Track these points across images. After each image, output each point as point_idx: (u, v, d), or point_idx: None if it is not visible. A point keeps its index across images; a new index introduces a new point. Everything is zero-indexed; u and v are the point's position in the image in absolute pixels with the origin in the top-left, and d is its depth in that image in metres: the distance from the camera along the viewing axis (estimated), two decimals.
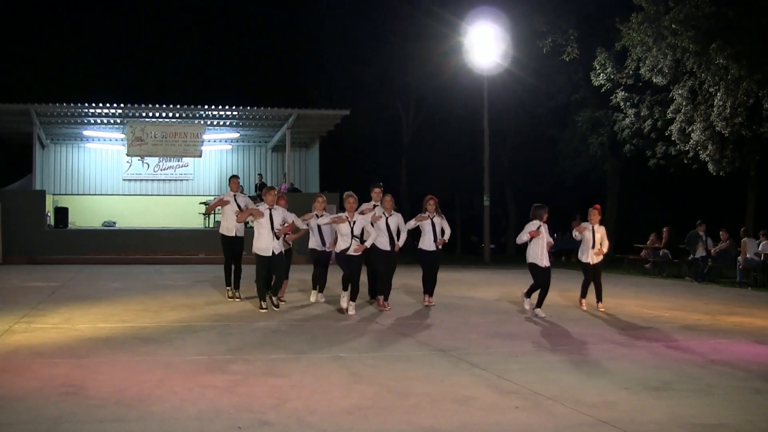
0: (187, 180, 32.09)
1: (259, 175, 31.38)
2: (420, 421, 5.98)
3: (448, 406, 6.45)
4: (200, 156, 29.20)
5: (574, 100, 33.30)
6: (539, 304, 12.48)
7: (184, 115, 27.81)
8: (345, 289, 12.13)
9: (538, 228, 12.62)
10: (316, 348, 9.02)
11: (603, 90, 28.68)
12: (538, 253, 12.58)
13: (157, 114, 27.64)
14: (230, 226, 13.60)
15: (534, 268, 12.58)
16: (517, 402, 6.63)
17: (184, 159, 31.23)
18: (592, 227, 13.72)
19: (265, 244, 11.99)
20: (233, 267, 13.77)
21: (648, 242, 24.74)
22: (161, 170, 31.84)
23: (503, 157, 39.37)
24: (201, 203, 29.43)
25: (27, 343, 9.04)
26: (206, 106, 27.01)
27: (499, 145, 37.69)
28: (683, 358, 8.78)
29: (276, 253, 12.06)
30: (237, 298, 13.60)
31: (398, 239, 12.75)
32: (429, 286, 13.42)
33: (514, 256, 32.41)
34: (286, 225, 12.30)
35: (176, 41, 43.53)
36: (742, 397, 6.99)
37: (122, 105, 26.49)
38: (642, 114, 27.87)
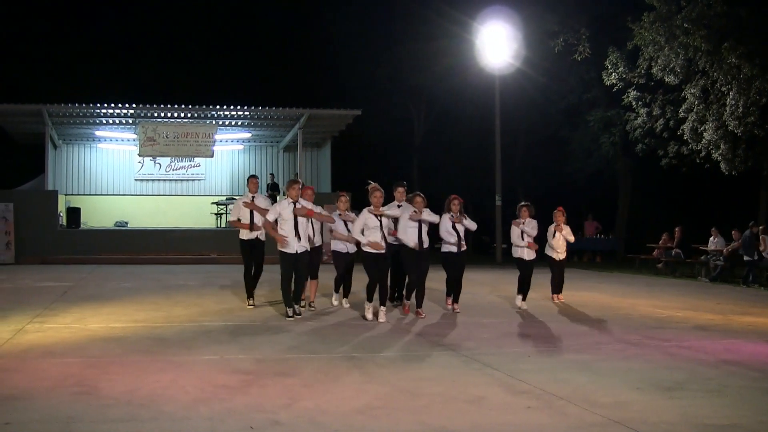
0: (198, 180, 32.15)
1: (271, 174, 31.42)
2: (432, 421, 5.97)
3: (460, 406, 6.44)
4: (212, 156, 29.26)
5: (586, 100, 33.25)
6: (524, 297, 13.39)
7: (195, 115, 27.87)
8: (370, 299, 11.38)
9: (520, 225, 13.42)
10: (329, 348, 9.02)
11: (615, 89, 28.58)
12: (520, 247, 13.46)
13: (169, 114, 27.71)
14: (247, 232, 12.57)
15: (518, 262, 13.54)
16: (529, 402, 6.61)
17: (195, 159, 31.30)
18: (555, 228, 14.43)
19: (289, 241, 11.21)
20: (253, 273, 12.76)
21: (660, 242, 24.69)
22: (173, 170, 31.92)
23: (515, 157, 39.33)
24: (213, 203, 29.50)
25: (39, 342, 9.08)
26: (218, 107, 27.05)
27: (510, 145, 37.64)
28: (696, 358, 8.74)
29: (300, 252, 11.30)
30: (251, 305, 12.63)
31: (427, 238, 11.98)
32: (454, 291, 12.75)
33: None
34: (302, 207, 11.41)
35: (188, 41, 43.67)
36: (755, 398, 6.95)
37: (134, 105, 26.58)
38: (654, 113, 27.76)
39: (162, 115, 27.71)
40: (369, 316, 11.33)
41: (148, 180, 31.82)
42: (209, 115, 28.02)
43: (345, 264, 12.67)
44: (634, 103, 28.41)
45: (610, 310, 13.27)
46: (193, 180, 32.13)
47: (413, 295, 12.01)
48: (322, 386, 7.03)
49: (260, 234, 12.51)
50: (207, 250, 25.48)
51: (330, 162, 30.78)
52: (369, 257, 11.26)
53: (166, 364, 7.87)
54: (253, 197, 12.54)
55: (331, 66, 42.90)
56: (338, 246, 12.55)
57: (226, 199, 29.69)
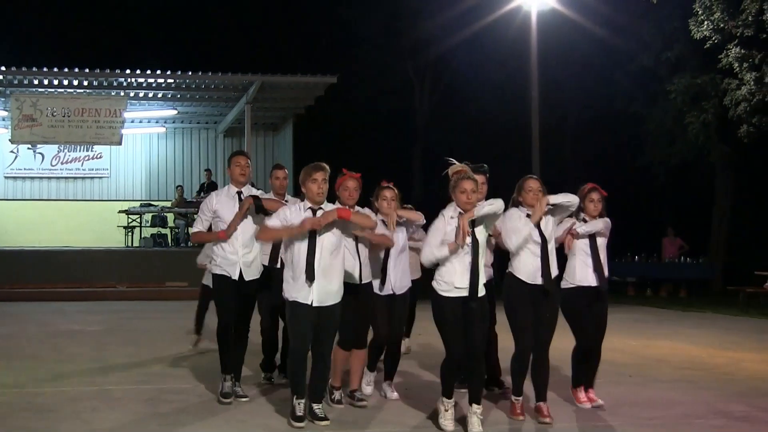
0: (101, 178, 32.10)
1: (207, 171, 31.32)
2: None
3: None
4: (120, 143, 29.15)
5: (666, 61, 33.25)
6: None
7: (96, 83, 27.83)
8: (448, 393, 8.83)
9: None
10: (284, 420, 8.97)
11: (708, 45, 28.63)
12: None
13: (56, 81, 27.65)
14: (231, 255, 10.15)
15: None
16: None
17: (96, 148, 31.24)
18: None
19: (298, 281, 8.94)
20: (234, 338, 10.28)
21: None
22: (62, 164, 31.85)
23: (563, 144, 39.39)
24: (121, 212, 29.42)
25: None
26: (128, 71, 26.99)
27: (556, 127, 37.73)
28: None
29: (323, 304, 8.96)
30: (242, 396, 10.15)
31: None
32: (589, 370, 10.19)
33: None
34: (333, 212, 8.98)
35: None
36: None
37: (3, 67, 26.50)
38: (767, 80, 27.81)
39: (45, 82, 27.65)
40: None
41: (24, 178, 31.73)
42: (116, 83, 27.95)
43: (388, 312, 10.23)
44: (736, 65, 28.42)
45: (702, 368, 13.22)
46: (92, 178, 32.08)
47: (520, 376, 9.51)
48: None
49: (254, 261, 10.29)
50: (112, 281, 25.38)
51: (292, 151, 30.79)
52: (447, 305, 8.84)
53: None
54: (239, 192, 10.30)
55: (294, 13, 42.91)
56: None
57: (141, 205, 29.64)
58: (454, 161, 9.24)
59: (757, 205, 37.39)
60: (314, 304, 8.81)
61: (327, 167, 9.11)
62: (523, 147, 34.52)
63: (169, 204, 29.89)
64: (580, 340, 10.01)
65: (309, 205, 8.98)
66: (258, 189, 10.62)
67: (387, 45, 40.43)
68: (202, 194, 29.23)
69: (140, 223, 29.14)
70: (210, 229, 10.30)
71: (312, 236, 8.84)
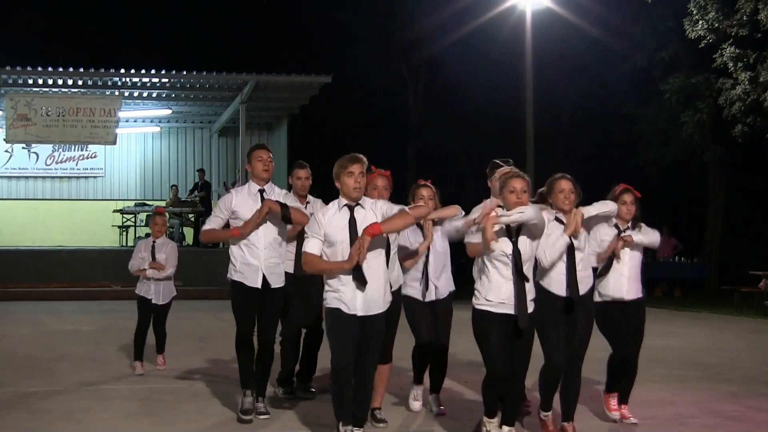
0: (95, 178, 32.06)
1: (200, 171, 31.24)
2: None
3: None
4: (114, 143, 29.11)
5: (660, 61, 33.24)
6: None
7: (90, 82, 27.78)
8: (490, 413, 8.14)
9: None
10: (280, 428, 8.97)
11: (703, 45, 28.63)
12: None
13: (51, 81, 27.59)
14: (253, 259, 9.30)
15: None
16: None
17: (91, 147, 31.20)
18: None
19: (346, 291, 7.97)
20: (258, 351, 9.50)
21: None
22: (57, 164, 31.81)
23: (556, 145, 39.37)
24: (116, 211, 29.40)
25: None
26: (123, 70, 26.94)
27: (550, 127, 37.72)
28: None
29: (371, 312, 8.02)
30: (264, 414, 9.27)
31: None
32: (626, 379, 9.60)
33: None
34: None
35: None
36: None
37: None
38: (761, 79, 27.77)
39: (40, 82, 27.59)
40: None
41: (19, 177, 31.68)
42: (111, 83, 27.91)
43: (427, 321, 9.59)
44: (731, 64, 28.40)
45: (696, 368, 13.25)
46: (86, 177, 32.04)
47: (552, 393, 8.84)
48: None
49: (277, 267, 9.45)
50: (107, 280, 25.34)
51: (287, 151, 30.75)
52: (487, 320, 8.06)
53: None
54: (261, 190, 9.44)
55: (289, 13, 42.89)
56: (410, 289, 9.59)
57: (136, 205, 29.60)
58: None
59: (751, 205, 37.40)
60: (359, 314, 7.87)
61: (364, 159, 8.17)
62: (517, 147, 34.56)
63: (163, 203, 29.83)
64: (615, 350, 9.37)
65: (345, 202, 8.00)
66: (282, 189, 9.58)
67: (381, 45, 40.39)
68: (195, 194, 29.24)
69: (135, 222, 29.08)
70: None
71: (351, 232, 7.91)
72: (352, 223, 7.88)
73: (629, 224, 9.35)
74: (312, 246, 7.95)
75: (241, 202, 9.26)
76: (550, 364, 8.48)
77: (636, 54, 33.90)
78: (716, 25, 27.86)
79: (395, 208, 8.01)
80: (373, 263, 7.88)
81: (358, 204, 7.98)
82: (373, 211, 7.99)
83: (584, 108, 38.57)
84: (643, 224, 9.39)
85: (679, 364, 13.47)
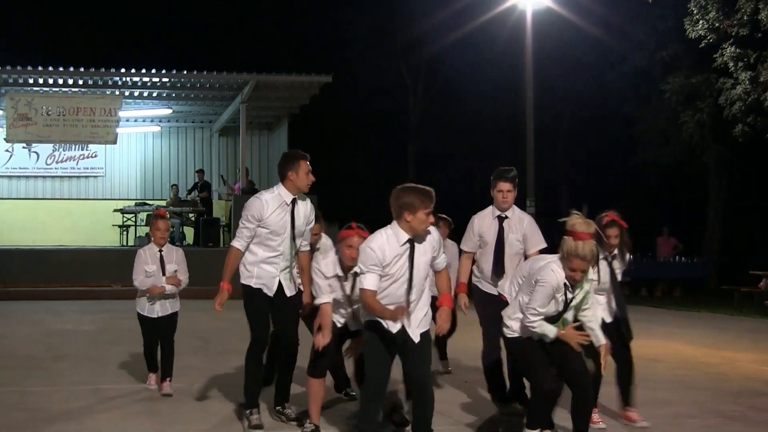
0: (95, 177, 32.05)
1: (200, 171, 31.17)
2: None
3: None
4: (115, 142, 29.08)
5: (660, 61, 33.23)
6: None
7: (91, 82, 27.76)
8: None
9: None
10: None
11: (703, 45, 28.61)
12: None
13: (51, 80, 27.56)
14: (271, 267, 9.04)
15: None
16: None
17: (91, 146, 31.19)
18: None
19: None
20: (283, 357, 9.40)
21: None
22: (57, 163, 31.79)
23: (556, 145, 39.35)
24: (116, 211, 29.38)
25: None
26: (123, 70, 26.92)
27: (550, 127, 37.69)
28: None
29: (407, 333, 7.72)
30: (295, 420, 9.02)
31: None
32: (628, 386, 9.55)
33: None
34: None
35: None
36: None
37: None
38: (762, 79, 27.75)
39: (41, 81, 27.56)
40: None
41: (19, 177, 31.66)
42: (111, 82, 27.90)
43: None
44: (731, 64, 28.38)
45: (696, 368, 13.25)
46: (87, 177, 32.02)
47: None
48: None
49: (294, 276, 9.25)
50: (107, 280, 25.31)
51: (287, 150, 30.71)
52: (527, 343, 8.05)
53: None
54: (294, 200, 8.99)
55: (289, 13, 42.86)
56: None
57: (136, 204, 29.57)
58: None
59: (751, 205, 37.38)
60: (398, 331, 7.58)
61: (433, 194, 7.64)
62: (517, 147, 34.57)
63: (164, 203, 29.80)
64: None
65: (407, 237, 7.55)
66: (310, 203, 9.11)
67: (381, 45, 40.41)
68: (194, 194, 29.20)
69: (135, 222, 29.04)
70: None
71: (411, 266, 7.55)
72: (411, 258, 7.55)
73: (615, 252, 9.67)
74: (370, 282, 7.49)
75: (272, 212, 8.78)
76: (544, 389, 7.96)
77: (636, 54, 33.89)
78: (716, 24, 27.83)
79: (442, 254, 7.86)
80: (422, 286, 7.67)
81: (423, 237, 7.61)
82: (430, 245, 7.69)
83: (584, 108, 38.52)
84: (627, 254, 9.88)
85: (679, 364, 13.47)
